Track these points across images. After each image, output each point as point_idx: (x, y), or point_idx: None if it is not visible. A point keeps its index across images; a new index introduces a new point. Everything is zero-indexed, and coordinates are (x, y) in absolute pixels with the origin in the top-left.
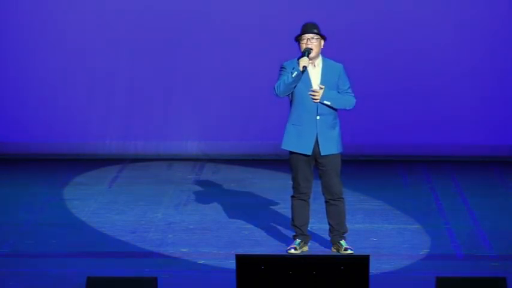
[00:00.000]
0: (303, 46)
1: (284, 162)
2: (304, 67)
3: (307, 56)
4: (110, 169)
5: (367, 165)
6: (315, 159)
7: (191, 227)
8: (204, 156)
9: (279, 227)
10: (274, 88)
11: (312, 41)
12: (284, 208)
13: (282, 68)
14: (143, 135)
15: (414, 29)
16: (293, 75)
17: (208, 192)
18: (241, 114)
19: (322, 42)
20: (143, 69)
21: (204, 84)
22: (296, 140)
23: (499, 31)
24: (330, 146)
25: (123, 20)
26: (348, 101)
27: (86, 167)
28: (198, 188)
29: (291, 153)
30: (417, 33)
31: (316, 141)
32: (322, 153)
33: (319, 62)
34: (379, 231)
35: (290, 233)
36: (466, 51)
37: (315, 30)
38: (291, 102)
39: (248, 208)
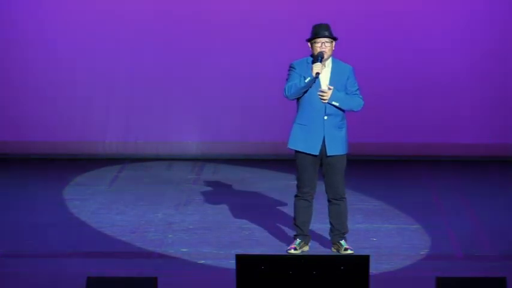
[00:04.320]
0: (317, 49)
1: (284, 162)
2: (317, 73)
3: (320, 62)
4: (110, 169)
5: (367, 165)
6: (321, 159)
7: (191, 227)
8: (204, 156)
9: (279, 227)
10: (285, 90)
11: (325, 45)
12: (284, 208)
13: (291, 67)
14: (143, 135)
15: (415, 30)
16: (306, 81)
17: (208, 192)
18: (241, 114)
19: (334, 43)
20: (143, 69)
21: (204, 84)
22: (303, 140)
23: (499, 32)
24: (337, 147)
25: (123, 20)
26: (356, 102)
27: (86, 167)
28: (198, 188)
29: (297, 152)
30: (418, 34)
31: (323, 142)
32: (328, 154)
33: (329, 62)
34: (379, 231)
35: (290, 233)
36: (466, 51)
37: (327, 33)
38: (298, 101)
39: (248, 208)
